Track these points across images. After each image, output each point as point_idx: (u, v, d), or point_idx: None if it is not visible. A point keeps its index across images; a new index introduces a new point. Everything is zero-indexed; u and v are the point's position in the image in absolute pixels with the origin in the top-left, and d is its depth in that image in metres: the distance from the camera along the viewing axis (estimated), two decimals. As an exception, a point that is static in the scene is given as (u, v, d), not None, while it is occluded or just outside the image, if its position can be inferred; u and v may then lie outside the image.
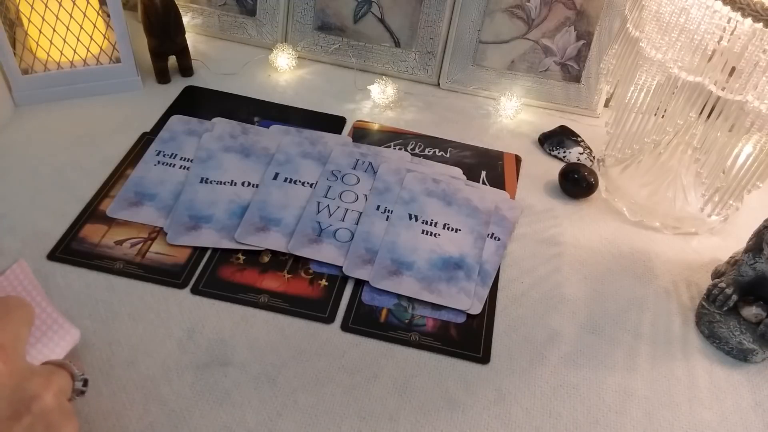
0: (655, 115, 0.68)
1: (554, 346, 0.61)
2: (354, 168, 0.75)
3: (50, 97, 0.80)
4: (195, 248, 0.65)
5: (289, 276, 0.64)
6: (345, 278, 0.64)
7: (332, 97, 0.88)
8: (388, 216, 0.70)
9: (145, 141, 0.77)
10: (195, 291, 0.62)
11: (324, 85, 0.90)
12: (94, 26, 0.79)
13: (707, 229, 0.75)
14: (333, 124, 0.84)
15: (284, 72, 0.91)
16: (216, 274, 0.63)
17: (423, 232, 0.69)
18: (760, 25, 0.54)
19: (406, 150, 0.80)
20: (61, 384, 0.42)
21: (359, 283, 0.64)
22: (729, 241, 0.74)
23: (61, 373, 0.43)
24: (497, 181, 0.78)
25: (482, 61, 0.90)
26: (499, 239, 0.70)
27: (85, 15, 0.78)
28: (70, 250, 0.64)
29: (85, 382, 0.46)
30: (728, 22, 0.57)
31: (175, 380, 0.55)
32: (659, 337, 0.63)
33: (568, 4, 0.85)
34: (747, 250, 0.63)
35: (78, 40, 0.79)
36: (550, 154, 0.84)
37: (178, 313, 0.60)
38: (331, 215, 0.69)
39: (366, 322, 0.61)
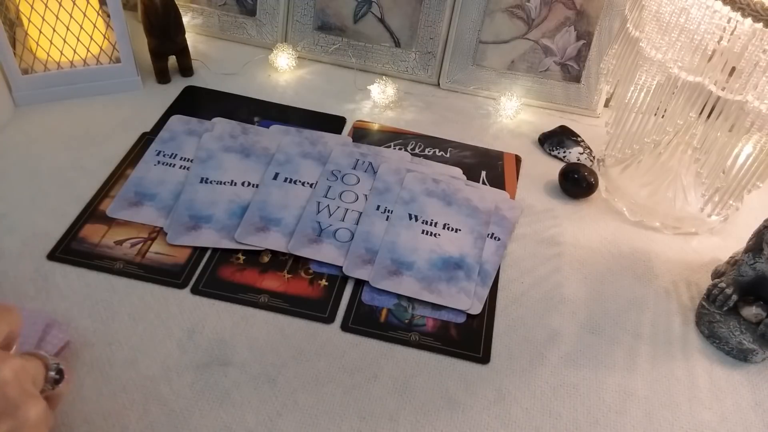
0: (655, 115, 0.68)
1: (554, 346, 0.61)
2: (354, 168, 0.75)
3: (50, 97, 0.80)
4: (195, 248, 0.65)
5: (289, 276, 0.64)
6: (345, 278, 0.64)
7: (332, 97, 0.88)
8: (388, 216, 0.70)
9: (145, 141, 0.77)
10: (195, 291, 0.62)
11: (324, 85, 0.90)
12: (94, 26, 0.79)
13: (707, 229, 0.75)
14: (333, 124, 0.84)
15: (284, 72, 0.91)
16: (216, 274, 0.63)
17: (423, 232, 0.69)
18: (760, 25, 0.54)
19: (406, 150, 0.80)
20: (25, 365, 0.42)
21: (359, 283, 0.64)
22: (729, 241, 0.74)
23: (28, 358, 0.43)
24: (497, 181, 0.78)
25: (482, 61, 0.90)
26: (499, 239, 0.70)
27: (85, 15, 0.78)
28: (70, 250, 0.64)
29: (60, 372, 0.46)
30: (728, 22, 0.57)
31: (175, 380, 0.55)
32: (659, 337, 0.63)
33: (568, 4, 0.85)
34: (747, 250, 0.63)
35: (78, 40, 0.79)
36: (550, 154, 0.84)
37: (178, 313, 0.60)
38: (331, 215, 0.69)
39: (366, 322, 0.61)
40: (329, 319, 0.61)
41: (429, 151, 0.81)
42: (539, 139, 0.85)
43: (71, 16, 0.78)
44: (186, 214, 0.67)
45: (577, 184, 0.76)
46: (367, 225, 0.68)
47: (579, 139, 0.84)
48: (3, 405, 0.39)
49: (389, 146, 0.81)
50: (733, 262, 0.66)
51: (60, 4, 0.76)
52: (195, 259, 0.64)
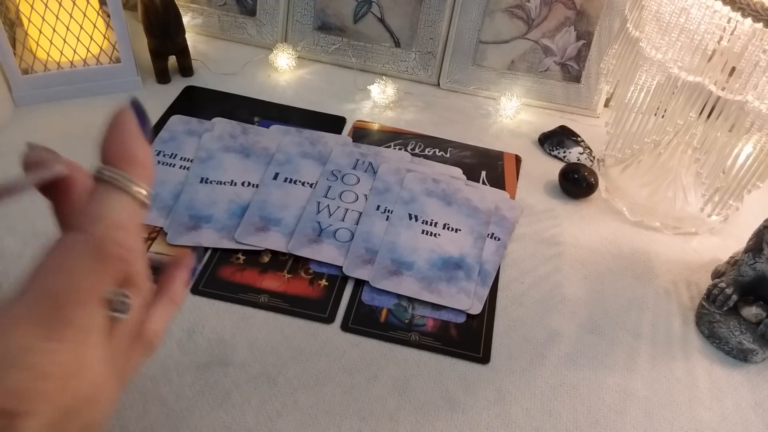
0: (655, 115, 0.68)
1: (554, 346, 0.61)
2: (354, 168, 0.75)
3: (50, 97, 0.80)
4: (195, 248, 0.65)
5: (289, 276, 0.64)
6: (345, 278, 0.64)
7: (332, 97, 0.88)
8: (388, 216, 0.70)
9: (145, 141, 0.77)
10: (195, 291, 0.62)
11: (324, 85, 0.90)
12: (94, 26, 0.79)
13: (707, 229, 0.75)
14: (333, 124, 0.84)
15: (284, 72, 0.91)
16: (216, 274, 0.63)
17: (423, 232, 0.69)
18: (760, 25, 0.54)
19: (406, 150, 0.80)
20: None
21: (359, 283, 0.64)
22: (729, 241, 0.74)
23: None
24: (497, 181, 0.78)
25: (482, 61, 0.90)
26: (499, 239, 0.70)
27: (85, 15, 0.78)
28: (70, 250, 0.63)
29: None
30: (728, 22, 0.57)
31: (175, 380, 0.55)
32: (659, 337, 0.63)
33: (568, 4, 0.85)
34: (747, 250, 0.63)
35: (78, 40, 0.79)
36: (550, 154, 0.84)
37: (178, 313, 0.60)
38: (331, 215, 0.69)
39: (366, 322, 0.61)
40: (329, 319, 0.61)
41: (429, 151, 0.81)
42: (539, 139, 0.85)
43: (71, 16, 0.78)
44: (186, 214, 0.67)
45: (577, 184, 0.76)
46: (367, 225, 0.68)
47: (579, 139, 0.84)
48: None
49: (389, 146, 0.81)
50: (733, 262, 0.66)
51: (60, 4, 0.76)
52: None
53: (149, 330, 0.32)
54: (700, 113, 0.63)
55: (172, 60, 0.87)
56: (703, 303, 0.65)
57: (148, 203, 0.29)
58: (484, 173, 0.79)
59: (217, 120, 0.80)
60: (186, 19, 0.92)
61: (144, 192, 0.29)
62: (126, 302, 0.29)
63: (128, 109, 0.31)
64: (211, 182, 0.71)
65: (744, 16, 0.55)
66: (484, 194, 0.74)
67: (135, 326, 0.31)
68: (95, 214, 0.28)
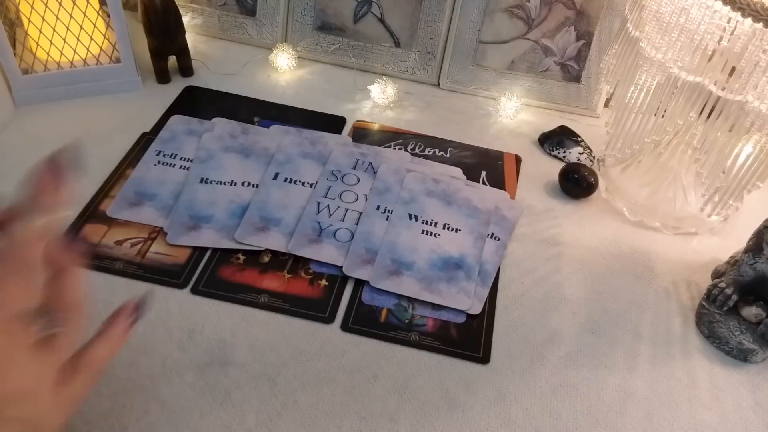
0: (655, 115, 0.68)
1: (554, 346, 0.61)
2: (354, 168, 0.75)
3: (50, 97, 0.80)
4: (195, 248, 0.65)
5: (289, 276, 0.64)
6: (345, 278, 0.64)
7: (332, 97, 0.88)
8: (388, 216, 0.70)
9: (145, 141, 0.77)
10: (195, 291, 0.62)
11: (324, 85, 0.90)
12: (94, 26, 0.79)
13: (707, 229, 0.75)
14: (333, 124, 0.84)
15: (284, 72, 0.91)
16: (216, 274, 0.63)
17: (423, 232, 0.69)
18: (760, 25, 0.54)
19: (406, 150, 0.80)
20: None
21: (359, 283, 0.64)
22: (729, 241, 0.74)
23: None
24: (497, 181, 0.78)
25: (482, 61, 0.90)
26: (499, 239, 0.70)
27: (85, 15, 0.78)
28: (70, 250, 0.64)
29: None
30: (728, 22, 0.57)
31: (175, 380, 0.55)
32: (659, 337, 0.63)
33: (568, 4, 0.85)
34: (747, 250, 0.63)
35: (78, 40, 0.79)
36: (550, 154, 0.84)
37: (178, 313, 0.60)
38: (331, 215, 0.69)
39: (366, 322, 0.61)
40: (329, 319, 0.61)
41: (429, 151, 0.81)
42: (539, 139, 0.85)
43: (71, 16, 0.78)
44: (186, 214, 0.67)
45: (577, 184, 0.76)
46: (367, 225, 0.68)
47: (579, 139, 0.84)
48: None
49: (389, 146, 0.81)
50: (733, 262, 0.66)
51: (60, 4, 0.76)
52: (195, 259, 0.64)
53: (88, 357, 0.37)
54: (700, 113, 0.63)
55: (172, 60, 0.87)
56: (703, 303, 0.65)
57: (53, 223, 0.37)
58: (484, 173, 0.79)
59: (217, 120, 0.80)
60: (186, 19, 0.92)
61: (52, 215, 0.37)
62: (53, 316, 0.35)
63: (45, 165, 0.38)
64: (211, 182, 0.71)
65: (744, 16, 0.55)
66: (484, 194, 0.74)
67: (70, 346, 0.36)
68: (6, 233, 0.36)
